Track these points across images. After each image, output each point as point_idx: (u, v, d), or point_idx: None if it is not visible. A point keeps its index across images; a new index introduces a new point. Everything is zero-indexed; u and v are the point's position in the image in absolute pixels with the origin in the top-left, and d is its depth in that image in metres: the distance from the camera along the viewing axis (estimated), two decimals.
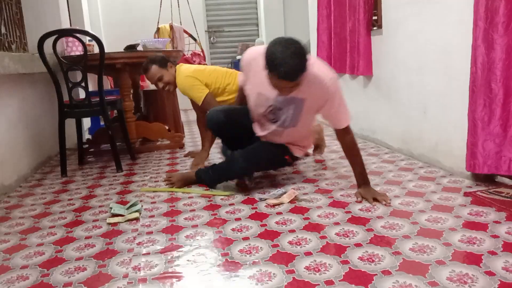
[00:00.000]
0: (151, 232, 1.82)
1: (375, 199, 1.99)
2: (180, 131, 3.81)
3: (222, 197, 2.23)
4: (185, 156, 3.28)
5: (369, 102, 3.30)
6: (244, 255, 1.54)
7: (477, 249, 1.46)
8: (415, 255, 1.45)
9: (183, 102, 4.04)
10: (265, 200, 2.11)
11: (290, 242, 1.62)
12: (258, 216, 1.92)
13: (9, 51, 2.88)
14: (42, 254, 1.68)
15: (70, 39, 3.53)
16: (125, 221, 1.97)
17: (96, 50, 3.02)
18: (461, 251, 1.46)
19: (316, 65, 2.00)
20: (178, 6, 5.38)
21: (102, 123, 4.21)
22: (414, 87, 2.67)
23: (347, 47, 3.40)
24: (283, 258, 1.49)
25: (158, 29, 5.10)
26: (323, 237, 1.64)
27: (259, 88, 2.12)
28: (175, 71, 2.88)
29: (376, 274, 1.34)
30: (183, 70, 2.86)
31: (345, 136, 2.08)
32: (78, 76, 2.99)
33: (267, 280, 1.35)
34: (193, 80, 2.78)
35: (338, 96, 2.02)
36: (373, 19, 3.09)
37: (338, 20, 3.52)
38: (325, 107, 2.05)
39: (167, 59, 2.88)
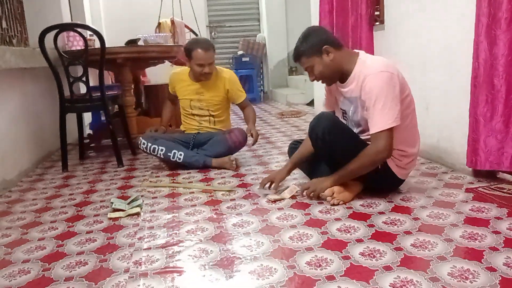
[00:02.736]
0: (152, 227, 1.82)
1: (317, 196, 1.97)
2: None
3: (223, 192, 2.23)
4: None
5: None
6: (246, 250, 1.55)
7: (479, 245, 1.46)
8: (416, 250, 1.45)
9: None
10: (266, 195, 2.11)
11: (291, 238, 1.62)
12: (259, 212, 1.92)
13: (10, 45, 2.88)
14: (44, 248, 1.68)
15: (71, 33, 3.52)
16: (126, 216, 1.97)
17: (97, 44, 3.01)
18: (462, 247, 1.46)
19: (369, 60, 1.88)
20: (180, 1, 5.36)
21: (103, 118, 4.20)
22: (416, 83, 2.65)
23: (349, 42, 3.38)
24: (284, 253, 1.49)
25: (159, 24, 5.08)
26: (324, 233, 1.64)
27: (334, 93, 2.11)
28: None
29: (378, 270, 1.34)
30: None
31: (371, 144, 1.81)
32: (79, 71, 2.98)
33: (268, 275, 1.35)
34: None
35: (376, 93, 1.76)
36: (376, 14, 3.08)
37: (340, 15, 3.50)
38: (365, 103, 1.83)
39: None
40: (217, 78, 2.83)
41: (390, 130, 1.78)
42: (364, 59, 1.89)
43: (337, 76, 1.97)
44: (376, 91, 1.77)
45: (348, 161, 1.90)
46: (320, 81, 2.02)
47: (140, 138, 2.79)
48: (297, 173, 2.46)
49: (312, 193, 1.99)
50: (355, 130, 2.01)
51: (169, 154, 2.71)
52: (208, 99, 2.83)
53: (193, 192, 2.27)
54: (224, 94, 2.85)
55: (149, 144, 2.73)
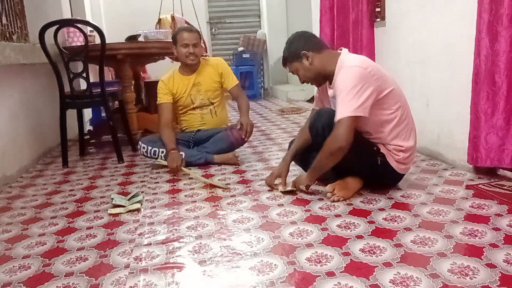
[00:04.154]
0: (152, 223, 1.82)
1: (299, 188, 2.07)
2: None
3: (223, 189, 2.22)
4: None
5: None
6: (246, 246, 1.55)
7: (479, 242, 1.46)
8: (416, 247, 1.45)
9: None
10: (269, 190, 2.11)
11: (291, 234, 1.62)
12: (260, 208, 1.92)
13: (10, 41, 2.87)
14: (44, 244, 1.68)
15: (71, 29, 3.51)
16: (127, 212, 1.97)
17: (97, 40, 3.01)
18: (462, 243, 1.46)
19: (346, 59, 1.91)
20: None
21: (103, 114, 4.20)
22: (417, 80, 2.65)
23: (350, 39, 3.37)
24: (284, 250, 1.49)
25: (159, 20, 5.07)
26: (324, 229, 1.64)
27: (325, 94, 2.14)
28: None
29: (378, 266, 1.34)
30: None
31: (333, 130, 1.83)
32: (79, 66, 2.98)
33: (268, 271, 1.36)
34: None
35: (342, 84, 1.82)
36: (376, 11, 3.07)
37: (341, 11, 3.49)
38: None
39: None
40: (208, 66, 2.86)
41: (350, 119, 1.77)
42: (343, 58, 1.93)
43: (321, 78, 2.03)
44: (342, 83, 1.83)
45: (347, 156, 1.88)
46: (309, 83, 2.09)
47: (140, 142, 2.77)
48: (297, 169, 2.46)
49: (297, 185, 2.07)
50: None
51: None
52: (207, 87, 2.84)
53: (193, 189, 2.27)
54: (219, 79, 2.86)
55: (149, 148, 2.71)
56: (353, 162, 1.94)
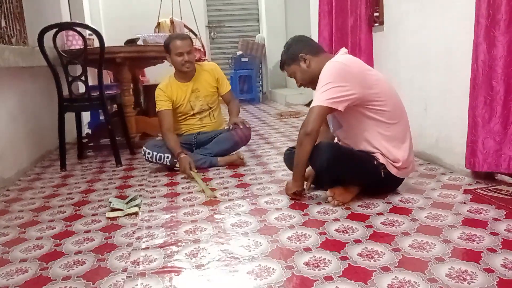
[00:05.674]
0: (150, 227, 1.82)
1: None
2: None
3: (222, 192, 2.22)
4: None
5: None
6: (244, 250, 1.54)
7: (477, 246, 1.46)
8: (414, 251, 1.45)
9: None
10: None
11: (289, 238, 1.62)
12: (258, 212, 1.92)
13: (9, 44, 2.87)
14: (41, 247, 1.68)
15: (70, 32, 3.52)
16: (124, 216, 1.96)
17: (96, 44, 3.01)
18: (460, 248, 1.46)
19: (337, 57, 1.96)
20: (179, 1, 5.36)
21: (101, 117, 4.20)
22: (415, 84, 2.66)
23: (348, 43, 3.38)
24: (283, 254, 1.49)
25: (158, 23, 5.08)
26: (322, 233, 1.64)
27: None
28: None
29: (376, 270, 1.34)
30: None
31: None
32: (78, 70, 2.98)
33: (266, 276, 1.35)
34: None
35: (322, 76, 1.88)
36: (375, 15, 3.08)
37: (339, 16, 3.50)
38: None
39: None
40: (203, 72, 2.89)
41: (320, 108, 1.84)
42: (334, 57, 1.96)
43: (317, 81, 2.01)
44: (321, 76, 1.88)
45: (356, 180, 1.97)
46: (306, 87, 2.11)
47: (144, 148, 2.74)
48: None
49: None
50: (337, 130, 2.05)
51: (175, 160, 2.66)
52: (205, 93, 2.87)
53: (191, 192, 2.27)
54: (215, 84, 2.91)
55: (155, 153, 2.71)
56: (359, 179, 1.98)
